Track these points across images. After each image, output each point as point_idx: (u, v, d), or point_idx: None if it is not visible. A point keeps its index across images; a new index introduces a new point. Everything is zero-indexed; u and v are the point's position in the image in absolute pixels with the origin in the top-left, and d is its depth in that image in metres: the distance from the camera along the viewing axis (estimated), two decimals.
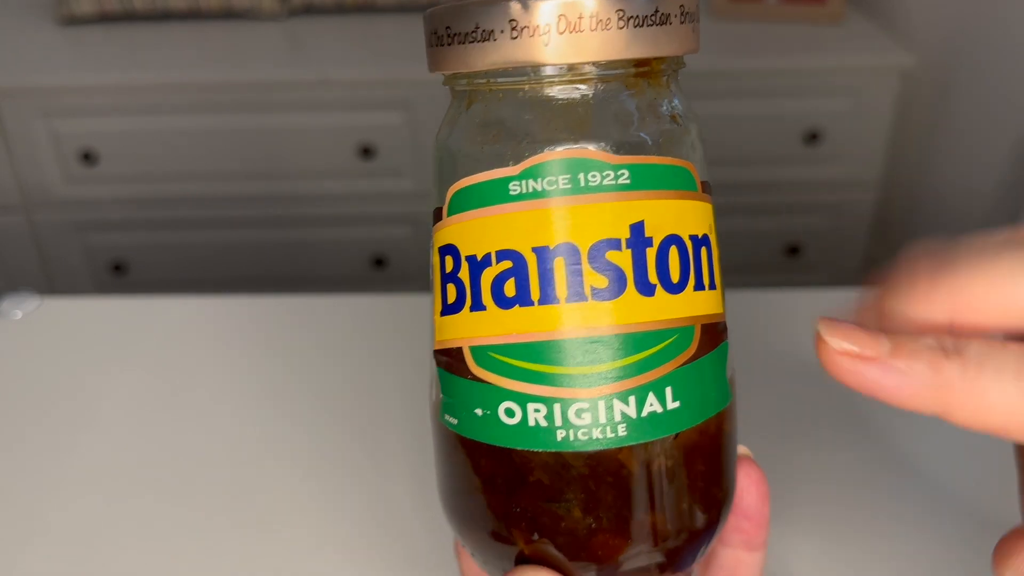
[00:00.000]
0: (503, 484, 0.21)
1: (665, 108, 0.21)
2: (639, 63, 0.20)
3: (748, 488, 0.25)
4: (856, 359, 0.19)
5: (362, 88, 1.30)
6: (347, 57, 1.35)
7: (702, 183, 0.22)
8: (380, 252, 1.44)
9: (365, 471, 0.41)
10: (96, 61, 1.35)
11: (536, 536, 0.21)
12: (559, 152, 0.20)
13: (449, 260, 0.21)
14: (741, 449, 0.25)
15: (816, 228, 1.46)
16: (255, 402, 0.45)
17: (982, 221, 1.23)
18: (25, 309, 0.52)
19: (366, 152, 1.34)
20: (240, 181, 1.36)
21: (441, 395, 0.22)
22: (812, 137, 1.36)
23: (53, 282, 1.44)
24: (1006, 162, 1.17)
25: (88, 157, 1.33)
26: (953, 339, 0.19)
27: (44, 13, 1.49)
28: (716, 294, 0.22)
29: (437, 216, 0.22)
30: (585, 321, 0.20)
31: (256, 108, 1.31)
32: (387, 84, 1.29)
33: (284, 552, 0.37)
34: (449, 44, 0.20)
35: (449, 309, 0.21)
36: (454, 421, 0.22)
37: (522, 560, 0.22)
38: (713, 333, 0.22)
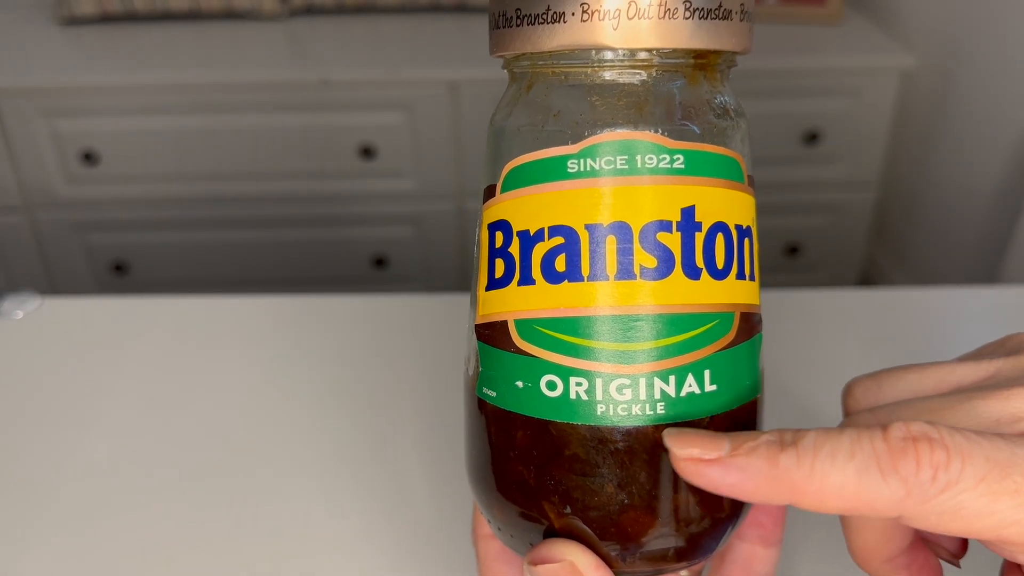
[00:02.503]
0: (538, 457, 0.22)
1: (719, 101, 0.22)
2: (699, 55, 0.21)
3: None
4: (699, 462, 0.19)
5: (363, 88, 1.30)
6: (348, 57, 1.35)
7: (748, 176, 0.22)
8: (380, 252, 1.44)
9: (368, 469, 0.41)
10: (97, 61, 1.35)
11: (568, 510, 0.22)
12: (618, 133, 0.20)
13: (499, 235, 0.22)
14: None
15: (816, 228, 1.46)
16: (256, 402, 0.45)
17: (981, 221, 1.23)
18: (26, 309, 0.52)
19: (367, 152, 1.34)
20: (240, 181, 1.36)
21: (480, 368, 0.23)
22: (812, 137, 1.37)
23: (54, 282, 1.44)
24: (1006, 162, 1.17)
25: (89, 157, 1.33)
26: (792, 432, 0.19)
27: (45, 13, 1.50)
28: (755, 286, 0.22)
29: (489, 194, 0.22)
30: (633, 299, 0.20)
31: (256, 108, 1.31)
32: (387, 84, 1.29)
33: (286, 550, 0.37)
34: (518, 25, 0.21)
35: (496, 284, 0.22)
36: (492, 394, 0.22)
37: (550, 536, 0.22)
38: (750, 323, 0.22)
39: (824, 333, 0.50)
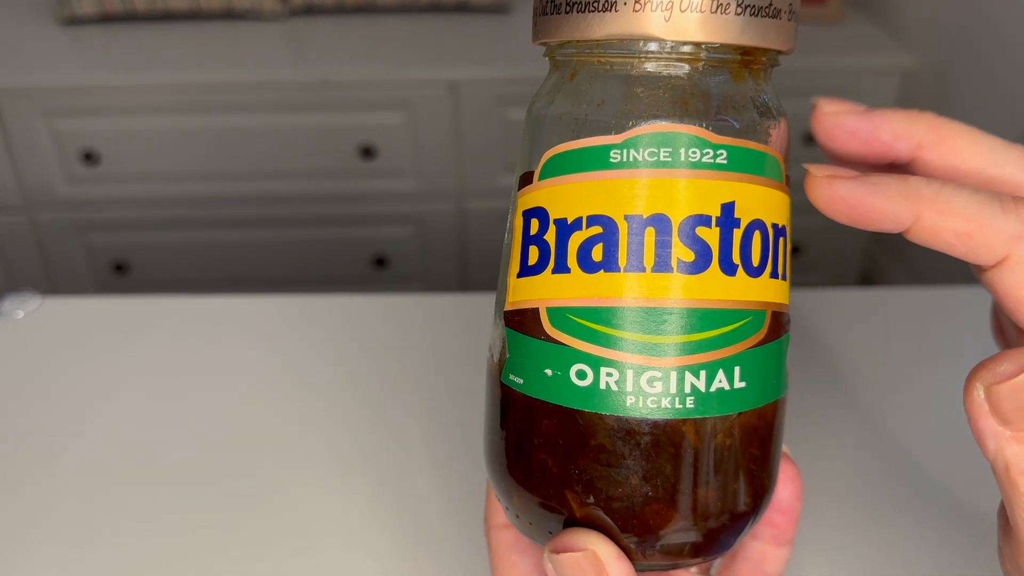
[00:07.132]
0: (563, 446, 0.22)
1: (762, 99, 0.22)
2: (746, 51, 0.21)
3: (784, 483, 0.25)
4: (832, 178, 0.21)
5: (363, 88, 1.30)
6: (348, 57, 1.35)
7: (786, 176, 0.22)
8: (380, 252, 1.44)
9: (372, 467, 0.41)
10: (97, 61, 1.35)
11: (590, 500, 0.22)
12: (663, 126, 0.20)
13: (535, 222, 0.22)
14: None
15: (816, 228, 1.46)
16: (256, 402, 0.45)
17: None
18: (26, 309, 0.52)
19: (367, 152, 1.34)
20: (240, 181, 1.37)
21: (507, 355, 0.23)
22: (811, 137, 1.37)
23: (54, 282, 1.44)
24: None
25: (89, 157, 1.33)
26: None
27: (45, 13, 1.50)
28: (786, 285, 0.23)
29: (525, 180, 0.22)
30: (668, 292, 0.20)
31: (256, 108, 1.31)
32: (388, 84, 1.29)
33: (286, 550, 0.37)
34: (566, 12, 0.21)
35: (528, 271, 0.22)
36: (519, 381, 0.22)
37: (570, 525, 0.22)
38: (780, 322, 0.22)
39: (824, 333, 0.50)
